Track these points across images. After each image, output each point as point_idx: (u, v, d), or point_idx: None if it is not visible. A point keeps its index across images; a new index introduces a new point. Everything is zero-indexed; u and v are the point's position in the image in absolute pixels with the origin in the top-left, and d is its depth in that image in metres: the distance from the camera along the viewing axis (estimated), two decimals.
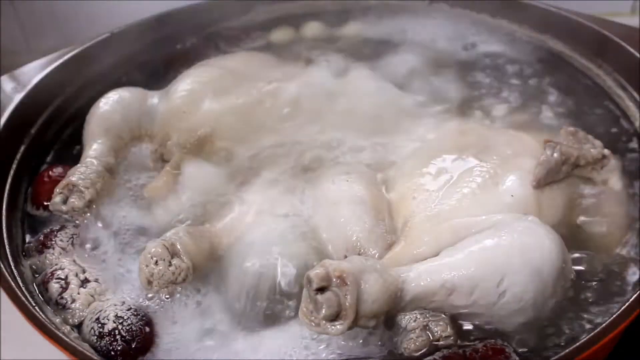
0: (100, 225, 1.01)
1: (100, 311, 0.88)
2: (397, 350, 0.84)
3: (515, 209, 0.93)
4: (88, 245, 0.98)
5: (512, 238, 0.85)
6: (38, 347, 0.91)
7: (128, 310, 0.88)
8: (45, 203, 1.04)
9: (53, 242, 0.97)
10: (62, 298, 0.89)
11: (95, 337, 0.86)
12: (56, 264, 0.93)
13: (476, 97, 1.26)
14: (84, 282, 0.91)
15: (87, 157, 1.06)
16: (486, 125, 1.15)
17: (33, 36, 1.76)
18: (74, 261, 0.94)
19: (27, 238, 1.02)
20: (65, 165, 1.10)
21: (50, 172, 1.09)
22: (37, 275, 0.95)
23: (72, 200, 1.00)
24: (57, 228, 0.99)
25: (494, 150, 1.01)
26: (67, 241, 0.97)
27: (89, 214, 1.01)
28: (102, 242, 0.99)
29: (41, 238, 0.98)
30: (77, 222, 1.00)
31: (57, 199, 1.00)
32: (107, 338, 0.85)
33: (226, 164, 1.10)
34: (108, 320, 0.86)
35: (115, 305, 0.89)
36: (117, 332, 0.85)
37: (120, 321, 0.86)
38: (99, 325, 0.86)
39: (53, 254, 0.96)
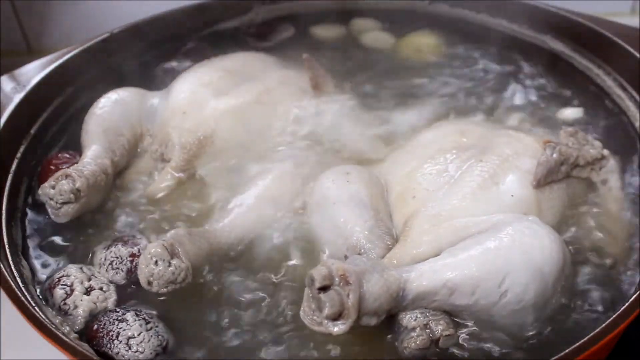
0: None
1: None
2: (397, 349, 0.84)
3: (515, 209, 0.93)
4: (102, 253, 0.98)
5: (513, 238, 0.85)
6: (38, 347, 0.91)
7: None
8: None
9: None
10: (65, 304, 0.90)
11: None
12: (64, 271, 0.94)
13: (476, 97, 1.26)
14: (89, 290, 0.92)
15: (84, 158, 1.06)
16: (486, 126, 1.15)
17: (33, 36, 1.76)
18: (81, 269, 0.94)
19: (28, 238, 1.02)
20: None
21: (55, 159, 1.10)
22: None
23: (62, 182, 0.98)
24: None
25: (494, 150, 1.01)
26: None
27: (74, 204, 0.99)
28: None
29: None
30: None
31: (47, 184, 0.99)
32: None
33: (225, 164, 1.10)
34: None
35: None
36: None
37: None
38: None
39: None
